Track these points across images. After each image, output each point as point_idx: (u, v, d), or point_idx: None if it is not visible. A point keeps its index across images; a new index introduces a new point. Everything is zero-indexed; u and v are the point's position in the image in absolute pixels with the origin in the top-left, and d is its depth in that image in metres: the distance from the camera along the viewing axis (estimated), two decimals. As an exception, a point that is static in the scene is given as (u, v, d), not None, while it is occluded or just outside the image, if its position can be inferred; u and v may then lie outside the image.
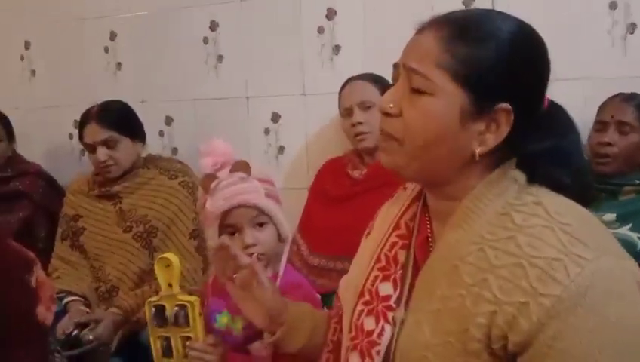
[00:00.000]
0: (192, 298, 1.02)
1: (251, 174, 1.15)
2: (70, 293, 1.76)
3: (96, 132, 1.77)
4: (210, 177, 1.15)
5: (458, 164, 0.72)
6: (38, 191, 2.11)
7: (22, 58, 2.40)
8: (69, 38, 2.29)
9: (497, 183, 0.71)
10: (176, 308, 1.02)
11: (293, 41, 1.91)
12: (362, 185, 1.66)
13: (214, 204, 1.14)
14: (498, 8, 1.63)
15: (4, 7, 2.40)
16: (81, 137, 1.83)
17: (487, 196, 0.71)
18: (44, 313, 1.27)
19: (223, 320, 1.18)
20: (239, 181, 1.13)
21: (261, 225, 1.15)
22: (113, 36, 2.20)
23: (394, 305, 0.78)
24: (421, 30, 0.73)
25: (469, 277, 0.68)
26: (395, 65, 0.77)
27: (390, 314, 0.78)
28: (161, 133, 2.17)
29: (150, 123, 1.94)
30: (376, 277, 0.81)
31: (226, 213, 1.14)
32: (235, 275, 0.94)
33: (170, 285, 1.03)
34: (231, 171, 1.14)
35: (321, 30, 1.87)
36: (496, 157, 0.73)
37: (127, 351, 1.64)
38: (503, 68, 0.68)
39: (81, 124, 1.82)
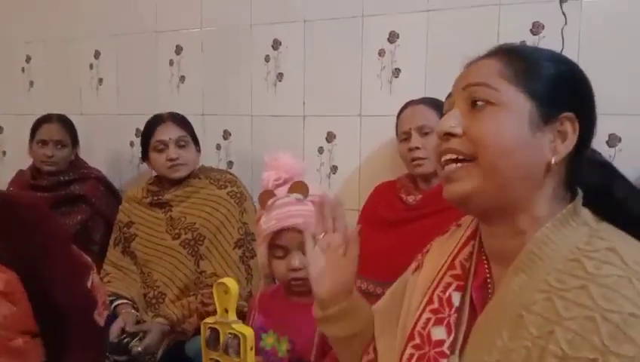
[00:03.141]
0: (247, 330, 0.99)
1: (309, 195, 1.14)
2: (120, 297, 1.80)
3: (171, 130, 1.85)
4: (268, 193, 1.15)
5: (534, 179, 0.69)
6: (97, 196, 2.18)
7: (91, 67, 2.51)
8: (136, 49, 2.38)
9: (565, 225, 0.68)
10: (230, 336, 0.99)
11: (354, 63, 1.91)
12: (416, 211, 1.63)
13: (267, 222, 1.13)
14: (567, 36, 1.58)
15: (77, 16, 2.52)
16: (151, 137, 1.86)
17: (554, 240, 0.67)
18: (97, 317, 1.30)
19: (268, 339, 1.17)
20: (294, 203, 1.12)
21: None
22: (179, 50, 2.27)
23: (447, 352, 0.73)
24: (474, 61, 0.75)
25: (535, 328, 0.63)
26: (448, 96, 0.77)
27: (443, 361, 0.74)
28: (218, 147, 2.21)
29: (208, 136, 1.98)
30: (428, 319, 0.77)
31: (277, 234, 1.13)
32: (322, 235, 0.88)
33: (226, 311, 1.01)
34: (289, 191, 1.13)
35: (382, 53, 1.87)
36: (564, 190, 0.71)
37: (171, 360, 1.65)
38: (563, 80, 0.70)
39: (153, 125, 1.88)
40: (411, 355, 0.77)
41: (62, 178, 2.18)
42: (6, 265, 1.14)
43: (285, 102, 2.06)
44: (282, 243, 1.14)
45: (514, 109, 0.68)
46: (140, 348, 1.57)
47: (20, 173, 2.28)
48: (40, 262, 1.18)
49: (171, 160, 1.82)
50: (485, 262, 0.76)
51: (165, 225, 1.84)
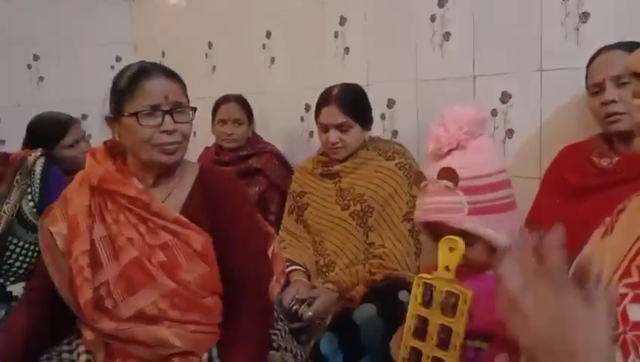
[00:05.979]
0: (467, 291, 0.94)
1: (468, 180, 1.02)
2: (293, 263, 1.87)
3: (333, 115, 1.82)
4: (419, 175, 1.08)
5: None
6: (272, 168, 2.31)
7: (264, 47, 2.64)
8: (304, 25, 2.43)
9: None
10: (445, 294, 0.95)
11: (532, 12, 1.70)
12: (611, 175, 1.39)
13: (417, 208, 1.08)
14: None
15: (249, 1, 2.66)
16: (317, 115, 1.89)
17: None
18: (274, 284, 1.36)
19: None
20: (443, 192, 1.02)
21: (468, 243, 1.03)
22: (343, 21, 2.26)
23: None
24: None
25: None
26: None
27: None
28: (382, 116, 2.16)
29: (373, 106, 1.94)
30: (624, 295, 0.65)
31: (427, 223, 1.07)
32: None
33: (447, 268, 0.96)
34: (438, 177, 1.03)
35: (566, -4, 1.63)
36: None
37: (340, 327, 1.68)
38: None
39: (320, 104, 1.88)
40: None
41: (241, 153, 2.35)
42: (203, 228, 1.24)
43: (453, 64, 1.92)
44: (435, 231, 1.06)
45: None
46: (310, 313, 1.61)
47: (206, 150, 2.52)
48: (228, 229, 1.25)
49: (331, 143, 1.82)
50: None
51: (335, 196, 1.87)
